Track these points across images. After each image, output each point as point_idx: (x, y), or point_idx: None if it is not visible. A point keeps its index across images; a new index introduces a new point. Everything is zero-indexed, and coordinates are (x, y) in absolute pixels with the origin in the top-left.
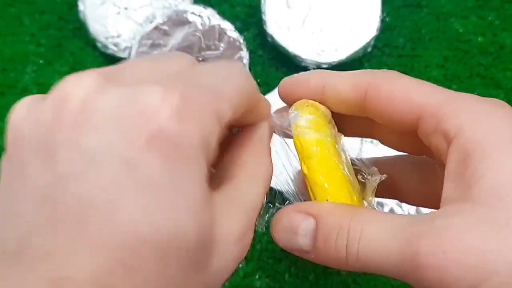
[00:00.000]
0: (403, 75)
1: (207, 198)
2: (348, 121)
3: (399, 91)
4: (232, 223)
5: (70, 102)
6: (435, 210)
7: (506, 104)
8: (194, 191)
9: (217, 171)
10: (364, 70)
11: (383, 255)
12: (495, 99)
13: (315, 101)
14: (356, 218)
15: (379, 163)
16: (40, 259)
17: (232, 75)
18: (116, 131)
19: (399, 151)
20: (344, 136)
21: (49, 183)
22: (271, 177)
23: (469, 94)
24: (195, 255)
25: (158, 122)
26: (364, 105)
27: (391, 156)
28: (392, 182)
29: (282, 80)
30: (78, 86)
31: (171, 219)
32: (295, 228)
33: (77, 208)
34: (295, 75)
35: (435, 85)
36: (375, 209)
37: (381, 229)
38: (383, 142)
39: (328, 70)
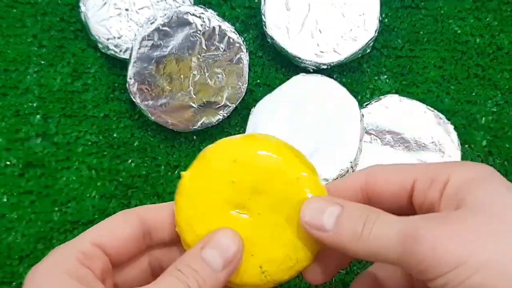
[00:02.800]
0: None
1: None
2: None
3: (391, 172)
4: None
5: None
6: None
7: (488, 166)
8: None
9: None
10: (346, 178)
11: (388, 236)
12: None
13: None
14: (372, 211)
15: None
16: None
17: None
18: None
19: None
20: None
21: None
22: None
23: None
24: None
25: None
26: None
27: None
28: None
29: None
30: None
31: None
32: (323, 210)
33: None
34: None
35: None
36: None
37: (390, 219)
38: None
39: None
